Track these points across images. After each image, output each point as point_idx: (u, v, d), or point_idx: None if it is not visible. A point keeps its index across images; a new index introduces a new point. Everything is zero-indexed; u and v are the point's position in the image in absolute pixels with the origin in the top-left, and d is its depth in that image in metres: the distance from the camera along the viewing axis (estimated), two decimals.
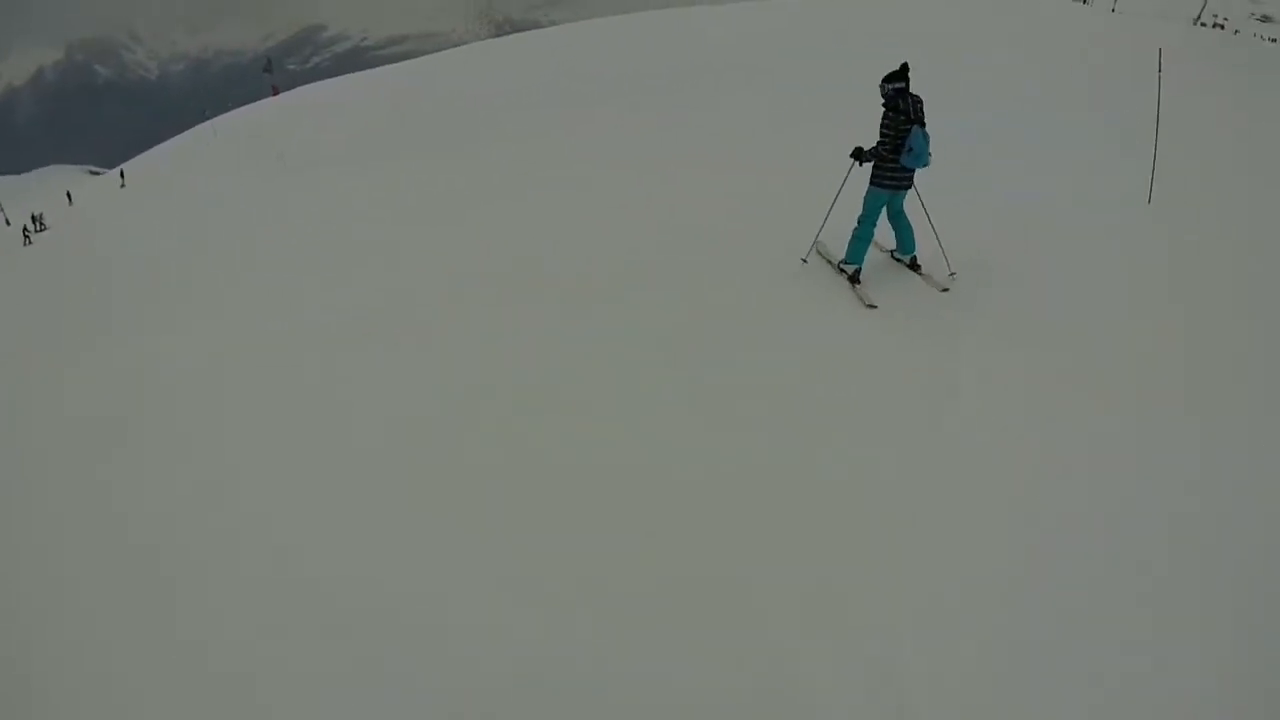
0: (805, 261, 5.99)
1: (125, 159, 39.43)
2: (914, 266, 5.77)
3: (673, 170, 9.57)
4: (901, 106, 5.10)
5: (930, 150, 5.14)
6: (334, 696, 3.27)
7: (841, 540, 3.67)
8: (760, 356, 5.13)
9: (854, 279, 5.58)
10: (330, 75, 34.37)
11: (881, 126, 5.21)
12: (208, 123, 31.17)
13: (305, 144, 21.54)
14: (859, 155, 5.42)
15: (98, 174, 57.41)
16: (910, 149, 5.03)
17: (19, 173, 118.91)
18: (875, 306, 5.36)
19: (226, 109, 31.63)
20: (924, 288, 5.64)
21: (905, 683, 2.96)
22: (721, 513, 3.94)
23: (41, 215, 25.67)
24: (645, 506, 4.06)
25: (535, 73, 21.50)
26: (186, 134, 34.58)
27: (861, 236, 5.48)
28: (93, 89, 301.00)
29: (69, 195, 29.99)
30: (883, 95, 5.18)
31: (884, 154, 5.19)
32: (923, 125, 5.14)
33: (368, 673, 3.31)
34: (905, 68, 5.17)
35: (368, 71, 30.98)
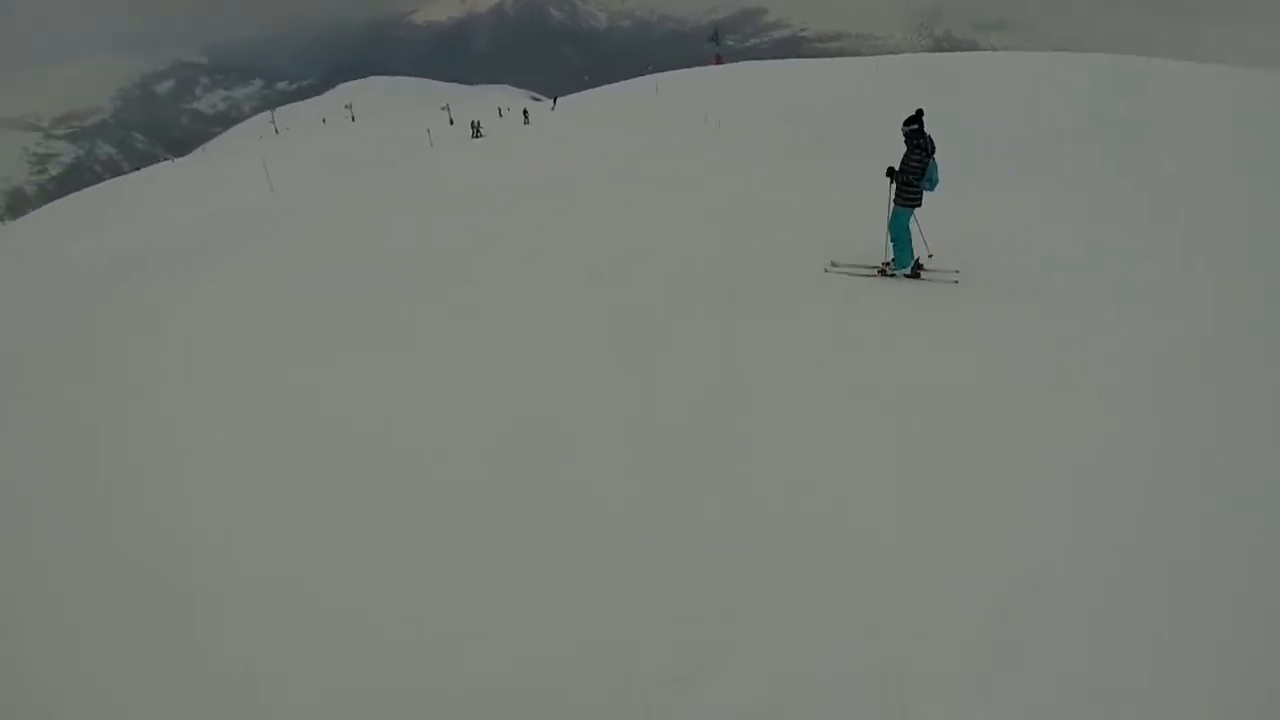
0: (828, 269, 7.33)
1: (563, 92, 44.94)
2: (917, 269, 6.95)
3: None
4: (921, 143, 6.23)
5: (940, 176, 6.37)
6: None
7: None
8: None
9: (915, 274, 6.82)
10: (766, 57, 34.94)
11: (908, 158, 6.27)
12: (648, 77, 33.60)
13: (734, 116, 21.68)
14: (891, 174, 6.51)
15: (537, 100, 66.55)
16: (929, 177, 6.29)
17: (469, 84, 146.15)
18: (957, 281, 6.59)
19: (668, 68, 33.75)
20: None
21: None
22: None
23: (479, 123, 30.41)
24: None
25: (974, 97, 18.97)
26: (625, 82, 38.06)
27: (905, 243, 6.67)
28: (545, 28, 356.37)
29: (525, 111, 34.91)
30: (904, 135, 6.31)
31: (910, 179, 6.33)
32: (933, 154, 6.30)
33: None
34: (920, 112, 6.27)
35: (807, 61, 30.73)
